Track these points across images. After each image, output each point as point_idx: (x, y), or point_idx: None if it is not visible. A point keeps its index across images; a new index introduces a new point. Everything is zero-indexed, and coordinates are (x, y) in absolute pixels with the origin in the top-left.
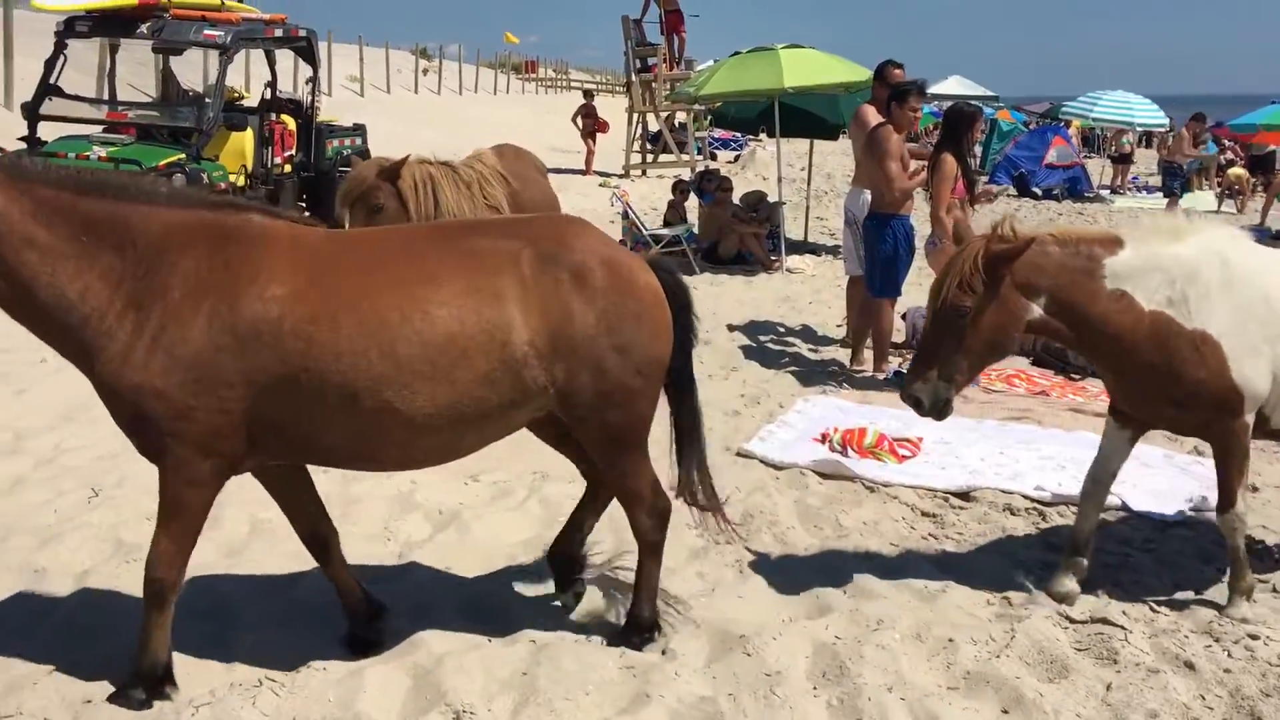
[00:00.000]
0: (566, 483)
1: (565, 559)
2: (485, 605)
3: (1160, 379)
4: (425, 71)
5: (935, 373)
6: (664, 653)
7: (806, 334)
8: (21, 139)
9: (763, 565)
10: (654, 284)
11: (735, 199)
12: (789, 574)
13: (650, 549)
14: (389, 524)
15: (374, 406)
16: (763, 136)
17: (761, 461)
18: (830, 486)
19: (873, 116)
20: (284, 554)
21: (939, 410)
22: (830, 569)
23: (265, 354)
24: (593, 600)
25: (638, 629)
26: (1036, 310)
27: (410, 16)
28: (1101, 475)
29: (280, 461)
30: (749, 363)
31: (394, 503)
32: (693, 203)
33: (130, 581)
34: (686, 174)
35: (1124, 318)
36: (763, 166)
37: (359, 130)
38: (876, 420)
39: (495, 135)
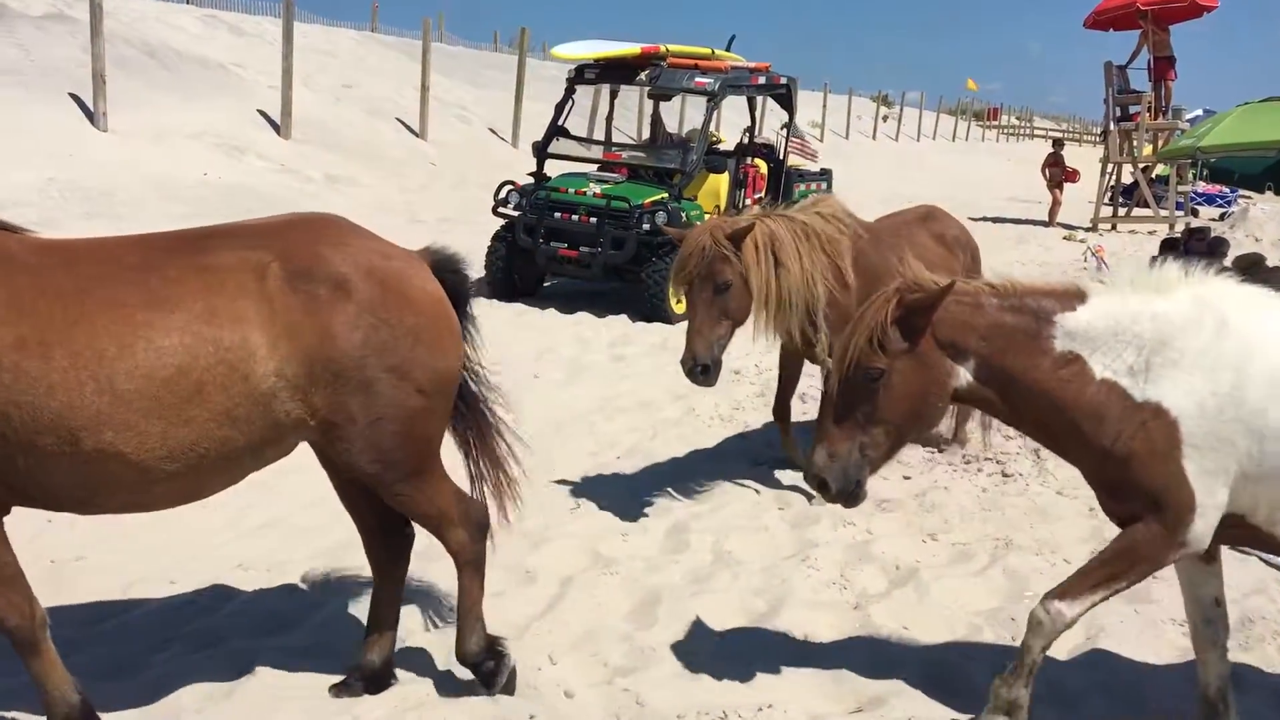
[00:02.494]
0: (1033, 554)
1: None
2: (951, 675)
3: (1092, 453)
4: (885, 118)
5: (845, 448)
6: None
7: None
8: (530, 174)
9: (1258, 682)
10: (433, 291)
11: (1227, 261)
12: None
13: (473, 567)
14: (845, 572)
15: (95, 448)
16: (1263, 194)
17: (1261, 560)
18: None
19: None
20: None
21: (850, 495)
22: None
23: None
24: None
25: (472, 663)
26: (964, 376)
27: (874, 65)
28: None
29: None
30: None
31: (850, 550)
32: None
33: (608, 589)
34: (1168, 230)
35: (1068, 389)
36: (1256, 226)
37: (825, 175)
38: None
39: (951, 182)
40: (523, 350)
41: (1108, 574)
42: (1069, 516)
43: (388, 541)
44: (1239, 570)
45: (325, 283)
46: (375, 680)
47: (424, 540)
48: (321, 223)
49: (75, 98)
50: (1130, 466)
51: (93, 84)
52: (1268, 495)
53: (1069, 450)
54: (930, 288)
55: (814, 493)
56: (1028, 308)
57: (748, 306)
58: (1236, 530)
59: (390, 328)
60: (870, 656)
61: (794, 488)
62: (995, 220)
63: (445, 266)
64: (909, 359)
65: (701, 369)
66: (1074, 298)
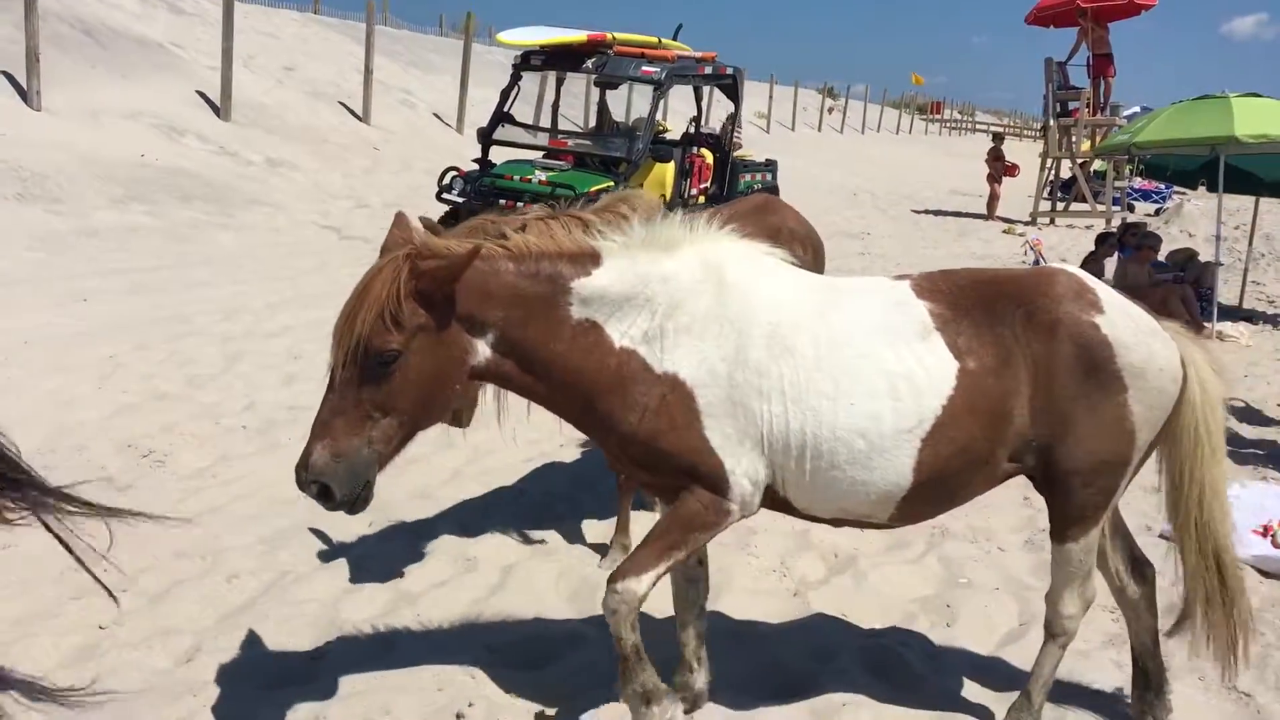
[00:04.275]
0: (969, 542)
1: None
2: (887, 661)
3: (617, 432)
4: (830, 110)
5: (352, 445)
6: None
7: (1241, 411)
8: (475, 160)
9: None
10: None
11: (1161, 256)
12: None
13: None
14: (785, 560)
15: None
16: (1196, 190)
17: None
18: (1274, 587)
19: None
20: None
21: (357, 500)
22: (1275, 679)
23: None
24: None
25: None
26: (483, 350)
27: (820, 57)
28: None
29: None
30: None
31: (790, 538)
32: (1113, 258)
33: (547, 577)
34: (1104, 225)
35: (588, 358)
36: (1190, 222)
37: (770, 166)
38: None
39: (895, 174)
40: None
41: (666, 545)
42: (1003, 506)
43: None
44: (1168, 558)
45: None
46: None
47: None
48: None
49: (8, 76)
50: (656, 443)
51: (26, 62)
52: (778, 458)
53: (595, 427)
54: (445, 253)
55: (317, 501)
56: (544, 273)
57: None
58: (768, 497)
59: None
60: (808, 642)
61: None
62: (936, 213)
63: None
64: (427, 337)
65: None
66: (589, 260)
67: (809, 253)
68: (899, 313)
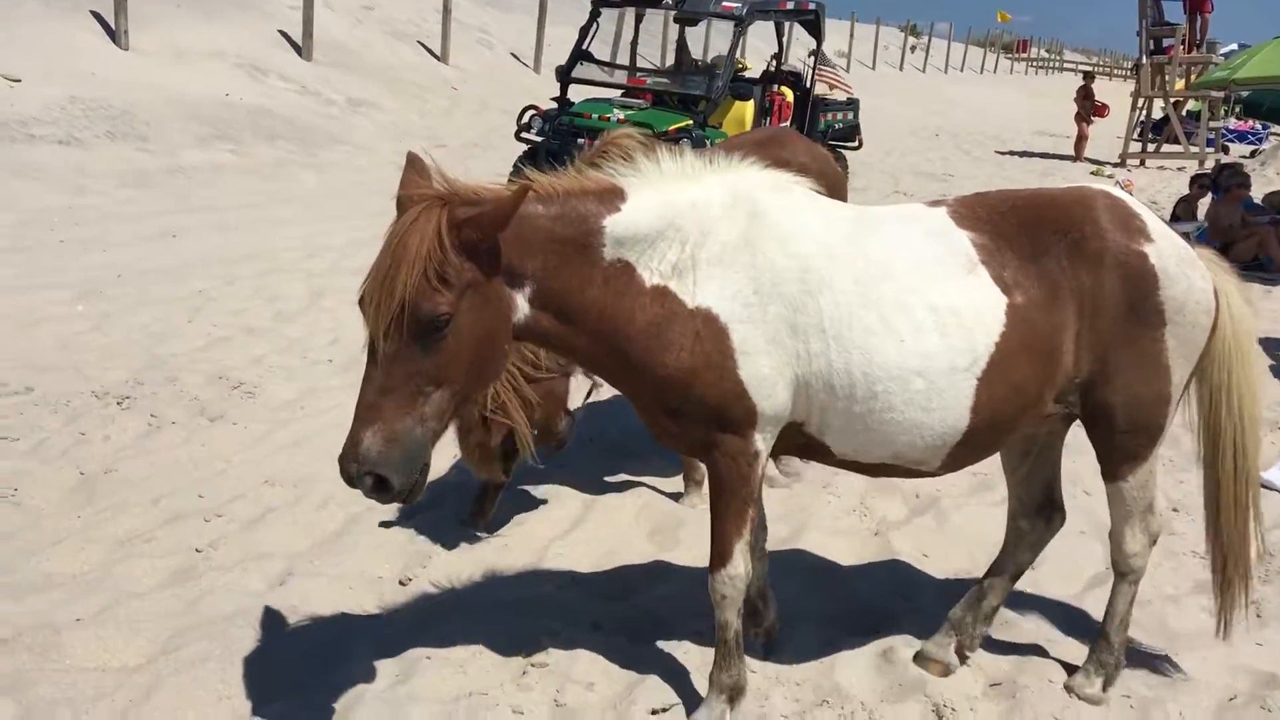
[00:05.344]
0: None
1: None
2: None
3: (652, 377)
4: (913, 49)
5: (404, 426)
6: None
7: None
8: (553, 99)
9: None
10: None
11: (1257, 198)
12: None
13: None
14: (865, 500)
15: None
16: None
17: None
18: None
19: None
20: None
21: (414, 487)
22: None
23: None
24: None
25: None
26: (523, 305)
27: None
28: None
29: None
30: (1274, 381)
31: (871, 480)
32: (1207, 200)
33: (629, 513)
34: (1197, 166)
35: (622, 301)
36: None
37: (852, 104)
38: None
39: (979, 115)
40: None
41: (731, 515)
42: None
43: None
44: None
45: None
46: None
47: None
48: None
49: (97, 15)
50: (692, 384)
51: (114, 2)
52: (818, 399)
53: (632, 377)
54: (488, 196)
55: (370, 496)
56: (575, 214)
57: None
58: (797, 440)
59: None
60: (889, 580)
61: None
62: (1022, 154)
63: None
64: (476, 294)
65: None
66: (616, 196)
67: (825, 189)
68: (940, 243)
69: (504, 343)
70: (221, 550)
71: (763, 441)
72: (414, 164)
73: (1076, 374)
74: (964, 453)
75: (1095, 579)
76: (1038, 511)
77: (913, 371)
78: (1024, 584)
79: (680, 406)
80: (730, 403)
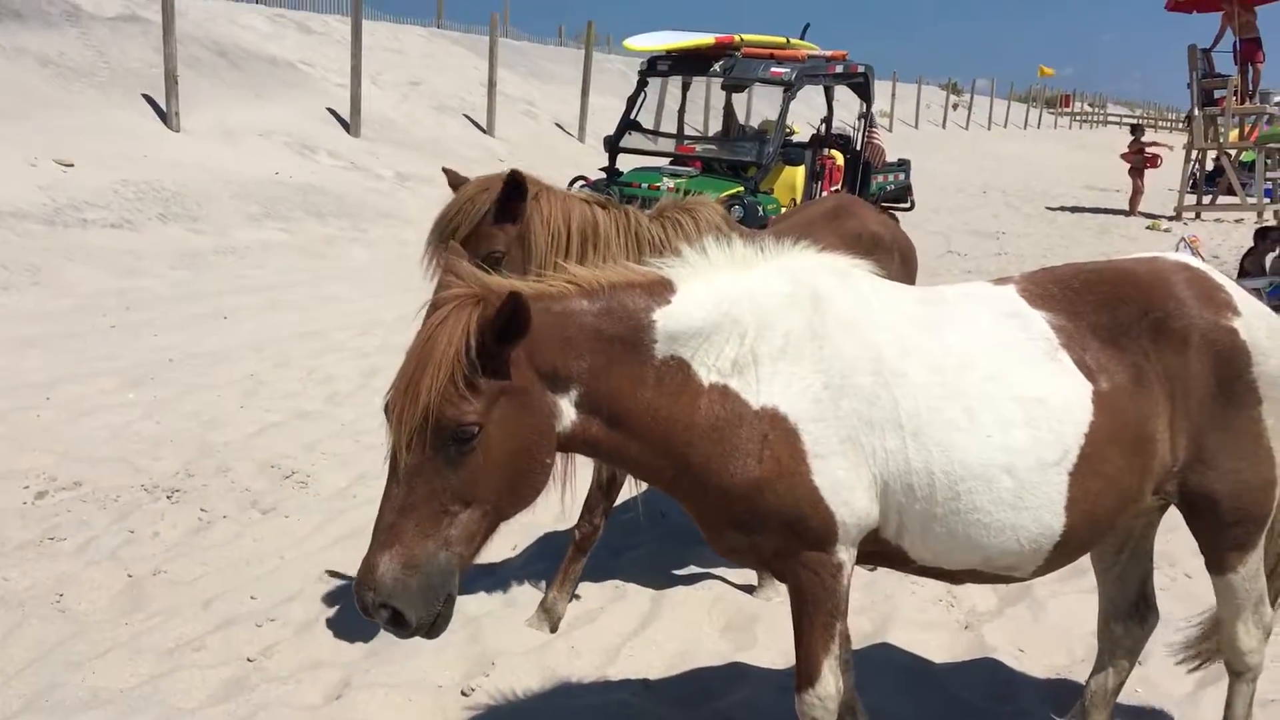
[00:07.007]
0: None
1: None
2: (1075, 702)
3: (715, 487)
4: (955, 106)
5: (426, 551)
6: None
7: None
8: (602, 169)
9: None
10: None
11: None
12: None
13: None
14: (950, 589)
15: None
16: None
17: None
18: None
19: None
20: None
21: (437, 620)
22: None
23: None
24: None
25: None
26: (568, 412)
27: (944, 52)
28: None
29: None
30: None
31: None
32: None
33: (699, 607)
34: (1256, 218)
35: (677, 403)
36: None
37: (903, 165)
38: None
39: (1025, 170)
40: None
41: (816, 632)
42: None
43: None
44: None
45: None
46: None
47: None
48: None
49: (149, 99)
50: (762, 494)
51: (165, 84)
52: (895, 501)
53: (692, 487)
54: (504, 291)
55: (387, 630)
56: (623, 309)
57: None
58: (868, 546)
59: None
60: (984, 682)
61: None
62: (1074, 210)
63: None
64: (510, 402)
65: None
66: (665, 288)
67: (896, 259)
68: (1017, 326)
69: (544, 456)
70: (275, 659)
71: (845, 552)
72: (451, 264)
73: (1174, 462)
74: (1059, 556)
75: (1206, 678)
76: (1131, 612)
77: (1000, 468)
78: (1131, 677)
79: (749, 519)
80: (807, 512)
